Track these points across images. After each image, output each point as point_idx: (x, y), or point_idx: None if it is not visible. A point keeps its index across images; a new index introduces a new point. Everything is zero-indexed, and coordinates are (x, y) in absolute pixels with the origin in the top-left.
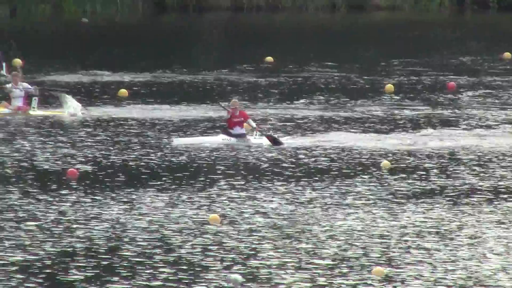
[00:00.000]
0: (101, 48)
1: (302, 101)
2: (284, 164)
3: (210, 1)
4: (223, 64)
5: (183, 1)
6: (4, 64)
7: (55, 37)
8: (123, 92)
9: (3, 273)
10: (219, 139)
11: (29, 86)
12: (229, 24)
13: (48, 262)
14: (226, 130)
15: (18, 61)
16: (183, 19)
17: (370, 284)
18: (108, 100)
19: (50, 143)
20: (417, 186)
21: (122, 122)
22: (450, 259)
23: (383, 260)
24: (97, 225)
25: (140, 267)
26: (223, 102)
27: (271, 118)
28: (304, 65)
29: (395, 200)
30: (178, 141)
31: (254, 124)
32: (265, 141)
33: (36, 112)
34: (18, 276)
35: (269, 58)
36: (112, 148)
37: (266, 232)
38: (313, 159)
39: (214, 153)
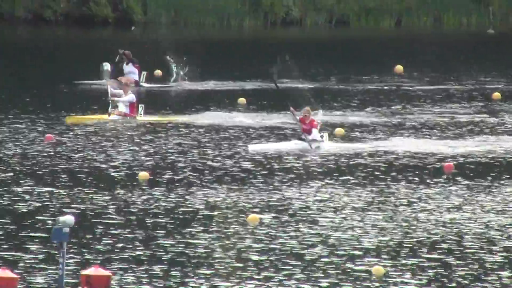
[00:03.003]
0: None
1: None
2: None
3: None
4: None
5: None
6: (144, 74)
7: (434, 47)
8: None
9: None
10: (291, 144)
11: (132, 99)
12: None
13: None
14: (299, 136)
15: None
16: None
17: None
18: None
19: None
20: None
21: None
22: None
23: None
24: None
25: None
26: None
27: None
28: None
29: None
30: (254, 147)
31: (311, 137)
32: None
33: (143, 118)
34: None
35: None
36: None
37: None
38: None
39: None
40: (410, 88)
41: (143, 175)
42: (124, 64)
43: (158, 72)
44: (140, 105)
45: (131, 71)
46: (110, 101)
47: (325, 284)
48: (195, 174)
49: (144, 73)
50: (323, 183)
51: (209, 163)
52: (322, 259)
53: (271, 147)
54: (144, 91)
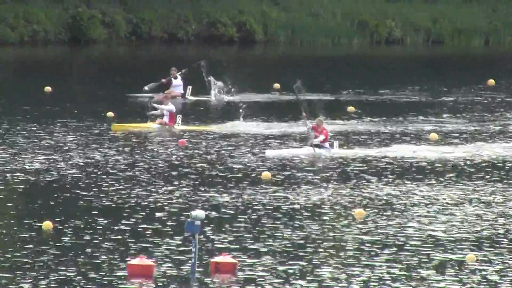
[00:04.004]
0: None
1: None
2: None
3: None
4: None
5: None
6: (189, 88)
7: None
8: None
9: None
10: (304, 151)
11: (171, 109)
12: None
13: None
14: (311, 143)
15: None
16: None
17: None
18: None
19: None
20: None
21: None
22: None
23: None
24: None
25: None
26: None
27: None
28: None
29: None
30: (270, 152)
31: (313, 140)
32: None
33: (180, 127)
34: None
35: None
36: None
37: None
38: None
39: None
40: (499, 99)
41: (266, 175)
42: (173, 79)
43: (276, 85)
44: (178, 116)
45: (177, 84)
46: (150, 113)
47: (424, 272)
48: (306, 174)
49: (190, 87)
50: (419, 182)
51: (320, 164)
52: (419, 249)
53: (288, 152)
54: (189, 103)
